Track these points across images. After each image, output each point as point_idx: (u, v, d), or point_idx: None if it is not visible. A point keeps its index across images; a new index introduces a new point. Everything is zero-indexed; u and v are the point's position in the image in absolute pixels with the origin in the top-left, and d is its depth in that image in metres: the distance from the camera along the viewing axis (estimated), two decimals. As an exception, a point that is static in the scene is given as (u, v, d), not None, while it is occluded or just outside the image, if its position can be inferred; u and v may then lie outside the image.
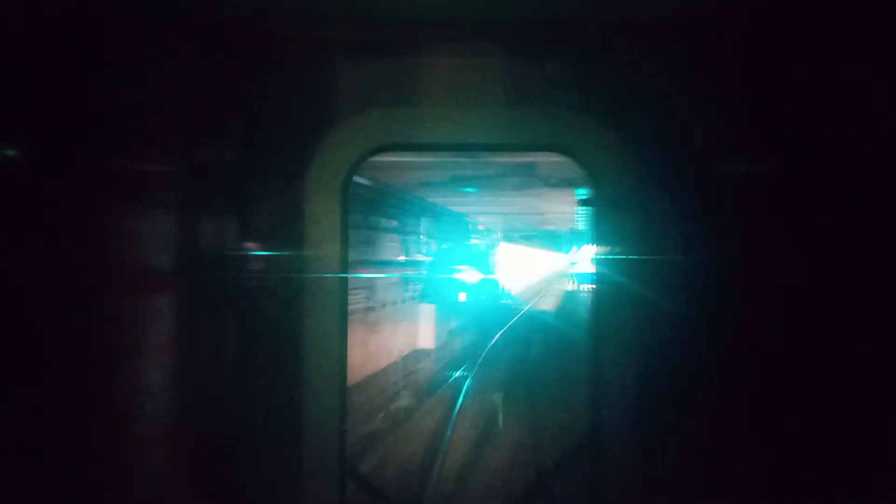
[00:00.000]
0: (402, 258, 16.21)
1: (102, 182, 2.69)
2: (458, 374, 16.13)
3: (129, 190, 2.80)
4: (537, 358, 18.41)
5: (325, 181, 2.93)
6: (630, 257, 2.90)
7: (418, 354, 16.67)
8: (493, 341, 20.85)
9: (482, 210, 20.19)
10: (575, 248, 40.35)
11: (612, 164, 2.86)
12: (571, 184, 11.19)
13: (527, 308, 33.25)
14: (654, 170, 2.85)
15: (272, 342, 2.96)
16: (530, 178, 11.50)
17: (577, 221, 21.46)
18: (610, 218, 2.92)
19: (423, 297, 17.96)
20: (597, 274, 3.07)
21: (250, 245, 3.01)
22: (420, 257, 18.13)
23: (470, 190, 13.53)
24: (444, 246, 20.59)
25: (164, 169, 2.98)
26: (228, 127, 3.03)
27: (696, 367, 2.85)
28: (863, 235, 2.61)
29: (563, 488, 4.11)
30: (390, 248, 14.92)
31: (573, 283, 42.98)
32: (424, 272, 18.34)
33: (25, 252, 2.40)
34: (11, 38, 2.33)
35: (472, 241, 25.42)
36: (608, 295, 2.99)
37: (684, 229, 2.85)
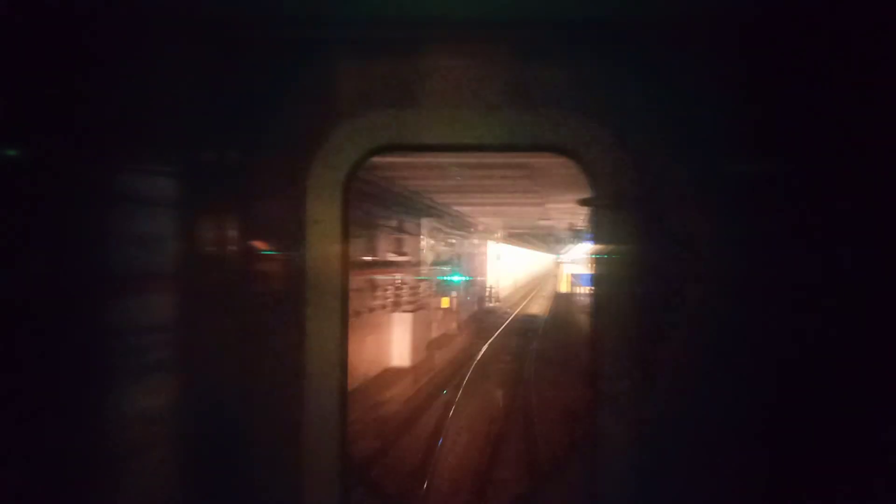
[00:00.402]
0: (367, 258, 13.40)
1: (101, 182, 2.73)
2: (438, 398, 13.21)
3: (127, 190, 2.86)
4: (532, 372, 15.71)
5: (325, 181, 2.96)
6: (630, 257, 2.89)
7: (390, 376, 13.81)
8: (482, 353, 18.09)
9: (467, 199, 17.45)
10: (568, 247, 39.09)
11: (612, 164, 2.88)
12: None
13: (517, 312, 31.15)
14: (655, 169, 2.86)
15: (272, 342, 2.96)
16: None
17: (571, 219, 20.79)
18: (610, 218, 2.92)
19: (397, 304, 15.14)
20: (596, 275, 3.01)
21: (250, 245, 3.01)
22: (392, 257, 15.38)
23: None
24: (423, 243, 17.81)
25: (163, 169, 3.00)
26: (228, 127, 3.00)
27: (698, 367, 2.85)
28: (865, 235, 2.65)
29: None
30: (352, 246, 12.12)
31: (567, 284, 41.80)
32: (397, 275, 15.50)
33: (23, 253, 2.43)
34: (10, 36, 2.38)
35: (457, 239, 22.81)
36: (608, 295, 2.97)
37: (684, 229, 2.84)
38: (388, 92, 2.95)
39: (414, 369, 14.76)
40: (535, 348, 19.47)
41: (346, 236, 2.99)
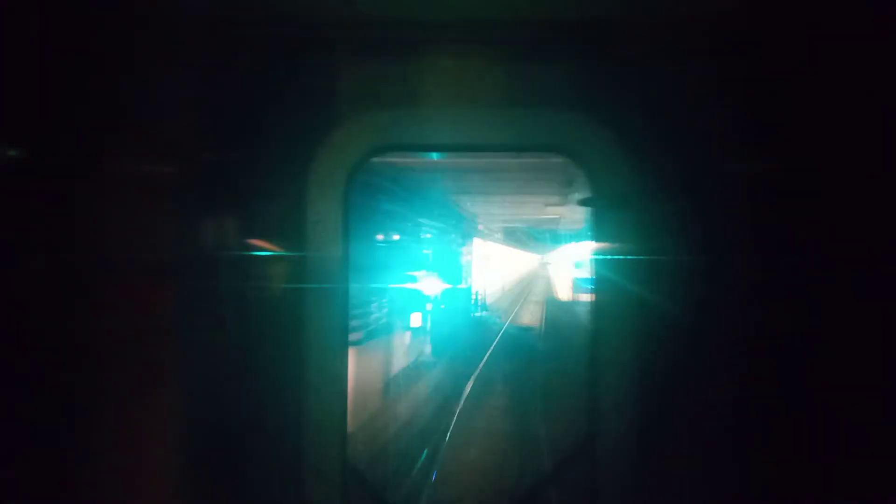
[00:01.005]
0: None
1: (99, 182, 2.71)
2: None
3: (126, 190, 2.84)
4: (543, 433, 10.75)
5: (325, 182, 2.98)
6: (630, 258, 2.89)
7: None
8: (466, 395, 13.04)
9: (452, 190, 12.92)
10: (566, 246, 35.25)
11: (612, 163, 2.91)
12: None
13: (510, 322, 26.73)
14: (655, 169, 2.89)
15: (272, 344, 3.00)
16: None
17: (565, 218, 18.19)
18: (609, 218, 2.98)
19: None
20: (596, 277, 3.04)
21: (249, 247, 3.04)
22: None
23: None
24: (383, 238, 12.79)
25: (161, 169, 3.00)
26: (228, 127, 3.06)
27: (700, 370, 2.85)
28: (866, 236, 2.65)
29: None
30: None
31: (567, 289, 37.90)
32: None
33: (28, 252, 2.46)
34: (11, 37, 2.41)
35: (435, 234, 17.90)
36: (608, 297, 3.00)
37: (685, 229, 2.88)
38: (388, 92, 2.98)
39: (357, 435, 9.65)
40: (540, 381, 14.57)
41: (346, 237, 2.98)
